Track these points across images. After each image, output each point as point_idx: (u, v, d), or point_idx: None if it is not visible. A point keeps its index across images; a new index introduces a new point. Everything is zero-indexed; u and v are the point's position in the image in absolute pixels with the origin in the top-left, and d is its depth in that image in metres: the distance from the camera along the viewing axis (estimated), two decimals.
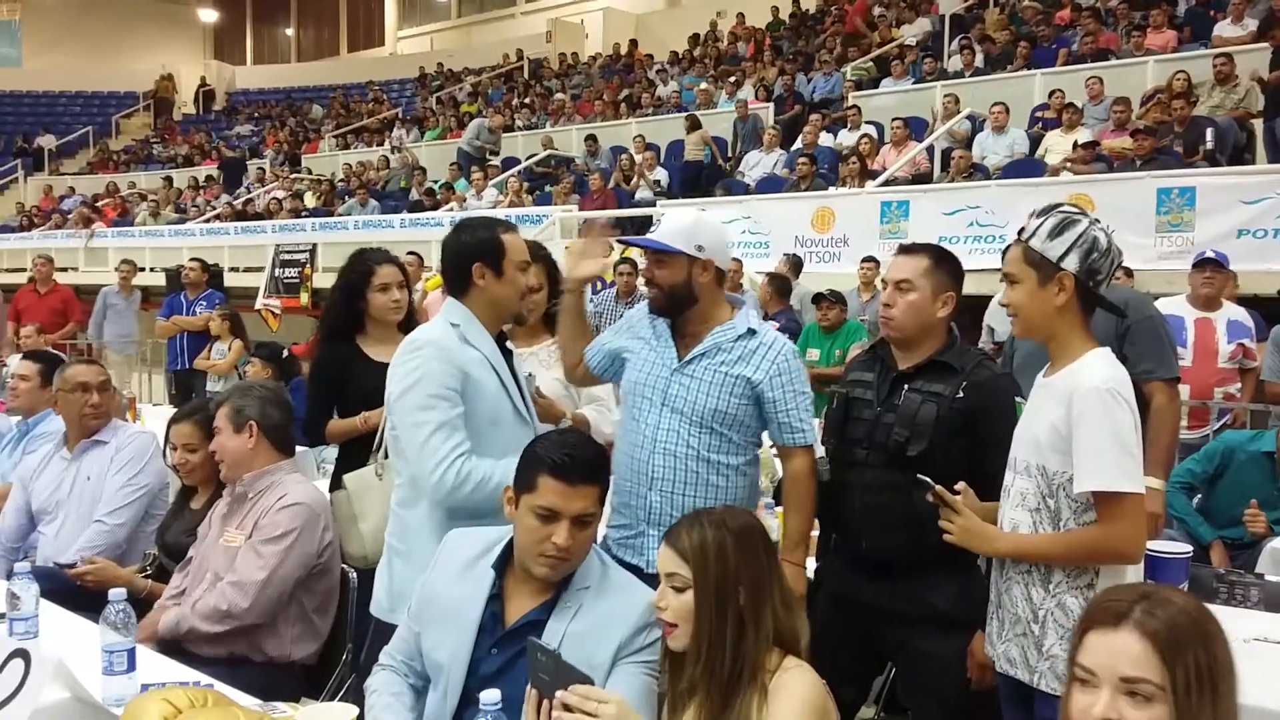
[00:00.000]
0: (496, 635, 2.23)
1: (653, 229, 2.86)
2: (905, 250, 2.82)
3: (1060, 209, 2.40)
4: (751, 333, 2.82)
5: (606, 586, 2.25)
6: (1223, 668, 1.44)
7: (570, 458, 2.19)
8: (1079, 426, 2.25)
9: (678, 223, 2.80)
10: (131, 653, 2.29)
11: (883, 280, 2.84)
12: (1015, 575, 2.40)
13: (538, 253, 3.32)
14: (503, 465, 2.54)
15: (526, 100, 19.21)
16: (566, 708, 1.79)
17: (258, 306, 13.64)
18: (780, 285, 8.54)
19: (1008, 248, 2.58)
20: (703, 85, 15.65)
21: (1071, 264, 2.34)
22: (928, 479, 2.44)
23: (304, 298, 13.99)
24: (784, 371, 2.80)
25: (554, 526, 2.16)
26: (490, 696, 1.75)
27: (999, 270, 7.04)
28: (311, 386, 3.65)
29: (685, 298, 2.81)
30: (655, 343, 2.91)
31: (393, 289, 3.56)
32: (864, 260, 8.80)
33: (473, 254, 2.75)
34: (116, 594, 2.28)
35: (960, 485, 2.46)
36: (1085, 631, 1.50)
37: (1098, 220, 2.40)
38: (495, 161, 15.45)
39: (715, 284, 2.84)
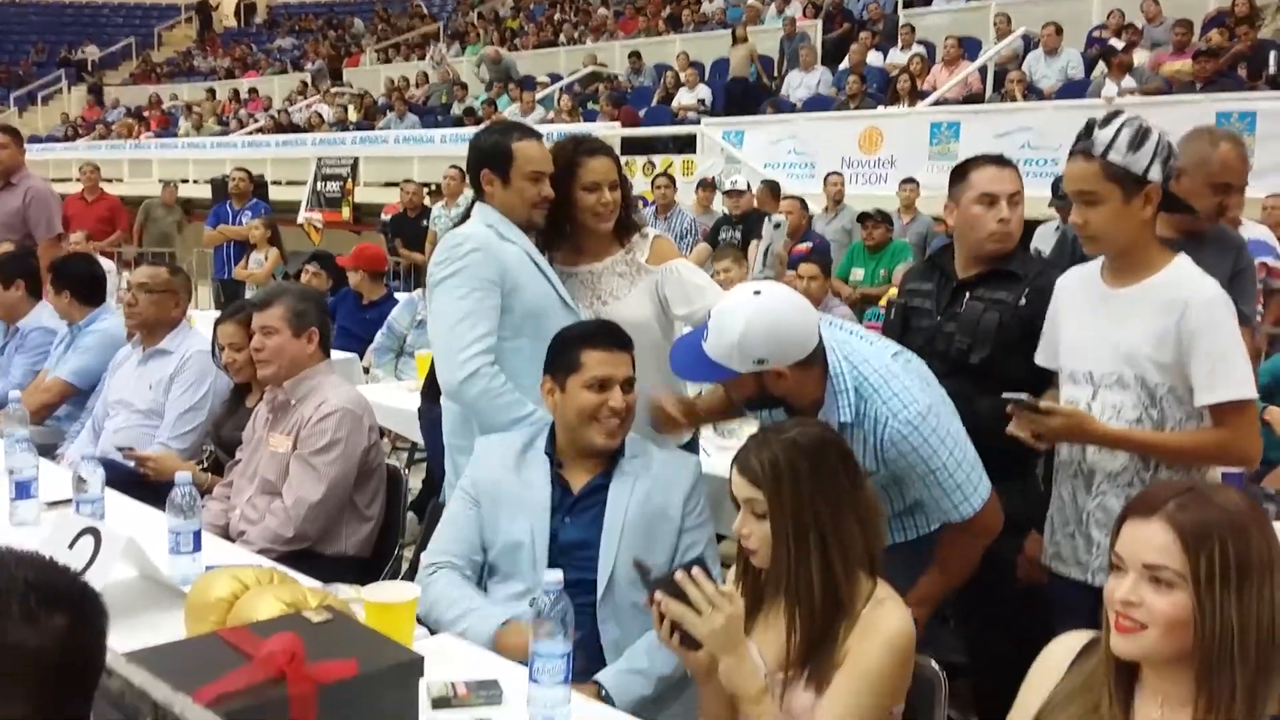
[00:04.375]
0: (566, 506, 2.37)
1: (704, 328, 2.22)
2: (1000, 162, 2.76)
3: (1125, 117, 2.27)
4: (844, 426, 2.23)
5: (651, 454, 2.43)
6: (1255, 564, 1.47)
7: (605, 328, 2.44)
8: (1203, 337, 2.20)
9: (723, 339, 2.14)
10: (197, 534, 2.35)
11: (985, 195, 2.66)
12: (1108, 489, 2.35)
13: (599, 150, 2.93)
14: (517, 396, 2.62)
15: (569, 16, 18.94)
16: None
17: (300, 220, 13.71)
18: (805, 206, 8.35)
19: (1064, 170, 2.40)
20: (750, 1, 15.34)
21: (1156, 174, 2.25)
22: (1015, 395, 2.30)
23: (345, 212, 14.04)
24: (903, 455, 2.22)
25: (608, 393, 2.33)
26: (552, 576, 1.79)
27: (1050, 195, 6.92)
28: None
29: (767, 402, 2.30)
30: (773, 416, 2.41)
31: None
32: (904, 182, 8.69)
33: (481, 159, 2.80)
34: (182, 477, 2.34)
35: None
36: (1123, 521, 1.57)
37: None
38: (543, 77, 15.31)
39: (802, 374, 2.20)
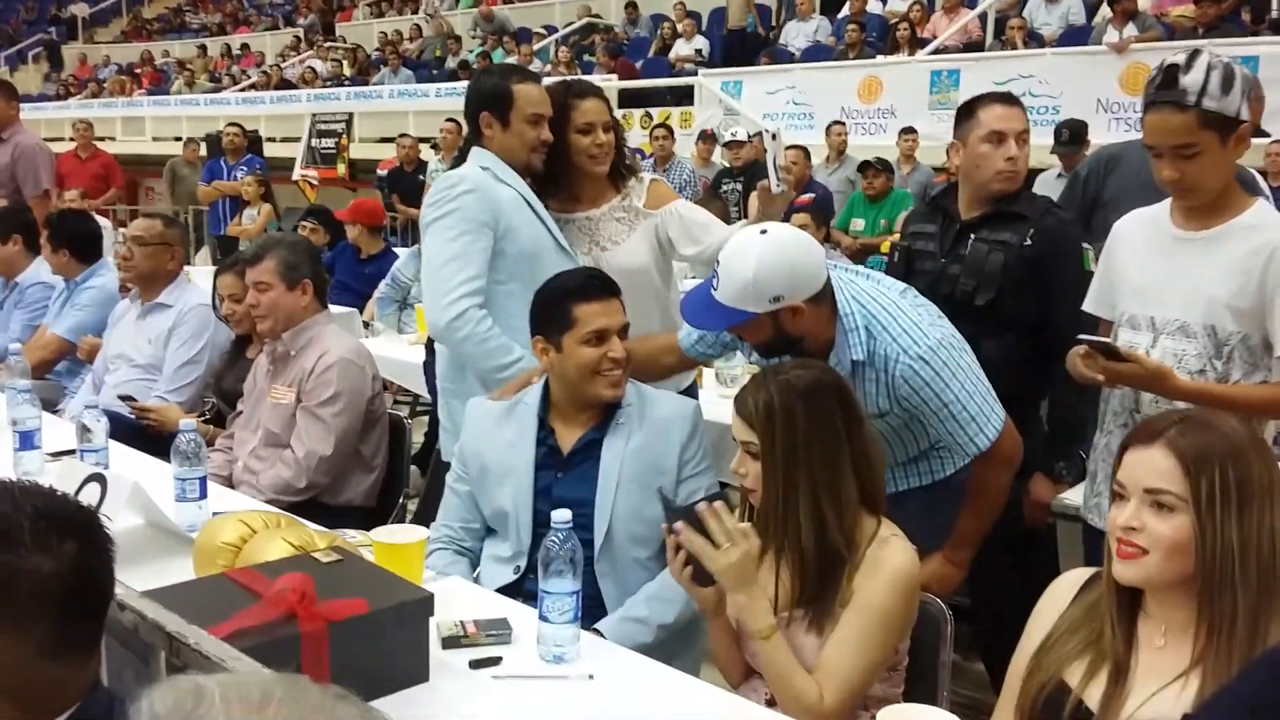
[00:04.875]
0: (559, 464, 2.33)
1: (713, 277, 2.18)
2: (1008, 100, 2.71)
3: (1207, 58, 2.07)
4: (856, 364, 2.22)
5: (648, 402, 2.38)
6: (1255, 487, 1.48)
7: (593, 278, 2.37)
8: None
9: (736, 280, 2.10)
10: (203, 481, 2.35)
11: (994, 133, 2.62)
12: None
13: (590, 91, 2.91)
14: (504, 341, 2.61)
15: None
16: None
17: (295, 177, 13.60)
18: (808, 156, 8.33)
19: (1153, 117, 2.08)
20: None
21: (1245, 112, 2.07)
22: (1094, 339, 2.20)
23: (341, 169, 13.94)
24: (915, 390, 2.20)
25: (607, 344, 2.28)
26: (560, 516, 1.80)
27: (1051, 143, 6.84)
28: None
29: (786, 345, 2.22)
30: None
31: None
32: (904, 132, 8.63)
33: (481, 102, 2.77)
34: (187, 424, 2.34)
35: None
36: (1124, 450, 1.57)
37: None
38: (539, 29, 15.16)
39: (815, 311, 2.18)
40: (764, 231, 2.13)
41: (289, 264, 3.12)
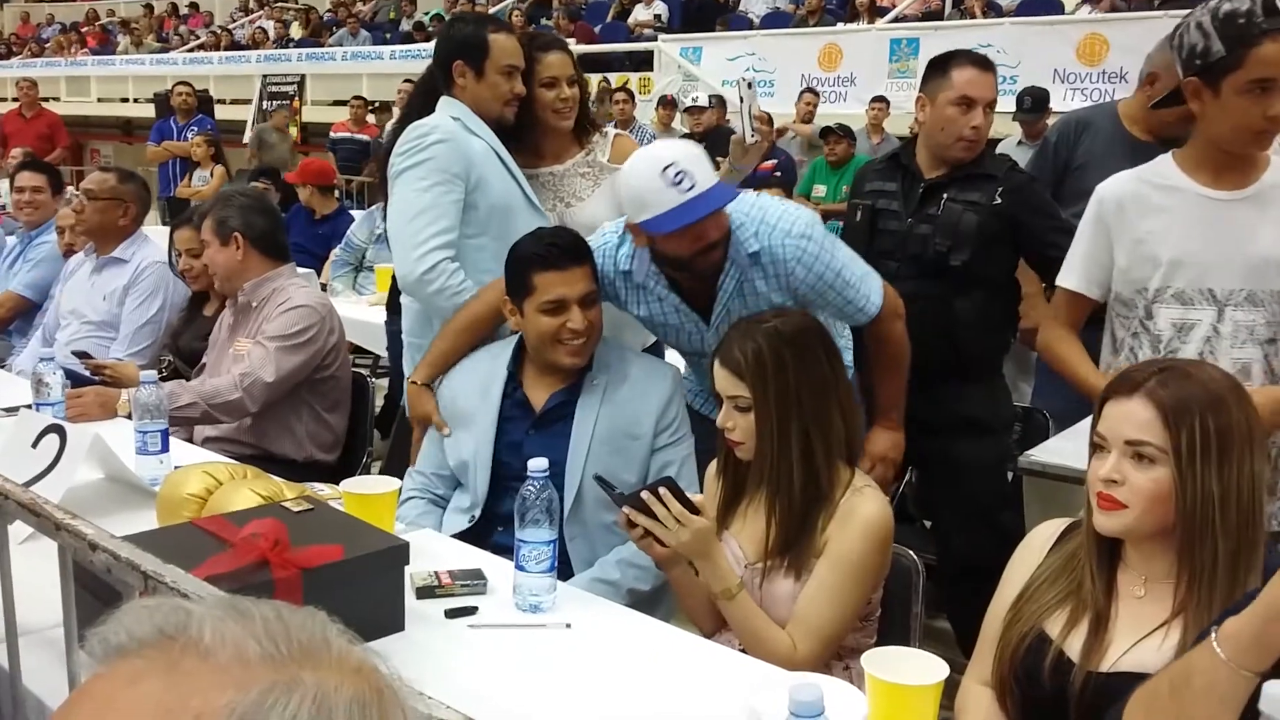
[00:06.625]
0: (529, 421, 2.30)
1: (680, 180, 2.14)
2: (983, 65, 2.65)
3: None
4: (751, 256, 2.26)
5: (626, 365, 2.34)
6: (1235, 436, 1.48)
7: (555, 246, 2.27)
8: None
9: (699, 157, 2.19)
10: (165, 434, 2.29)
11: (964, 98, 2.57)
12: None
13: (554, 44, 2.88)
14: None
15: None
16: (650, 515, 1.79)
17: (246, 139, 13.36)
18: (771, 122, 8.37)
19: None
20: None
21: None
22: None
23: (293, 131, 13.69)
24: (809, 269, 2.24)
25: (565, 314, 2.23)
26: (538, 464, 1.77)
27: (1014, 110, 6.84)
28: None
29: (710, 257, 2.25)
30: (663, 303, 2.40)
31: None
32: (873, 100, 8.62)
33: (454, 51, 2.70)
34: (148, 375, 2.28)
35: None
36: (1104, 402, 1.56)
37: None
38: None
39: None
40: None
41: (219, 220, 3.09)
